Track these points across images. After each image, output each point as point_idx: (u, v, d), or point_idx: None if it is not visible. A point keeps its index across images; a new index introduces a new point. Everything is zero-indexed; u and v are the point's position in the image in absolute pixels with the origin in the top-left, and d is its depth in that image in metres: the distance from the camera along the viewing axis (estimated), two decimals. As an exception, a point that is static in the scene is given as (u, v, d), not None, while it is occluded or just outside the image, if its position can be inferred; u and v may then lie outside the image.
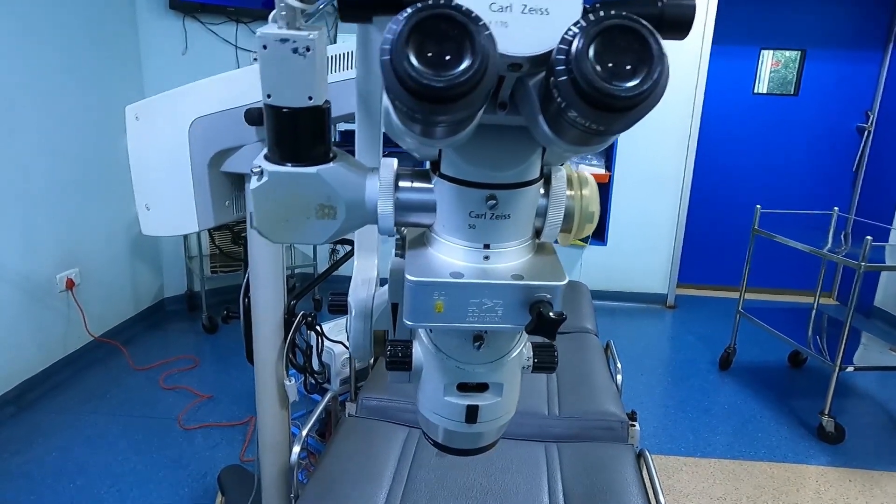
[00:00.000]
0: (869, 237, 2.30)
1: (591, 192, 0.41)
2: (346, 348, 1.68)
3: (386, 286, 0.54)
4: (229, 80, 1.32)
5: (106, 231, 2.97)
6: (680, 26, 0.30)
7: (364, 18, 0.30)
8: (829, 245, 2.73)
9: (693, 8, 0.30)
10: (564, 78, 0.26)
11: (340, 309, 0.57)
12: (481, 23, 0.26)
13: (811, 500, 2.09)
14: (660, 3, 0.30)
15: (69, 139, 2.69)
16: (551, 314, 0.37)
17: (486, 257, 0.40)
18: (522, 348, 0.47)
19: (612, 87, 0.26)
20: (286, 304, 1.52)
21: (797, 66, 3.86)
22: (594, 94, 0.26)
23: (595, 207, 0.41)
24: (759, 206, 2.84)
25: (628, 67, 0.26)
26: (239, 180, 1.43)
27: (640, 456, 1.28)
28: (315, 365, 1.77)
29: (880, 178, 3.84)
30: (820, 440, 2.44)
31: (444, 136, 0.32)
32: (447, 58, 0.26)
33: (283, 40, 0.36)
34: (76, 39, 2.68)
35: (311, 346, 1.63)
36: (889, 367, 2.52)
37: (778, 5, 3.76)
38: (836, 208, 3.04)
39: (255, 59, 1.99)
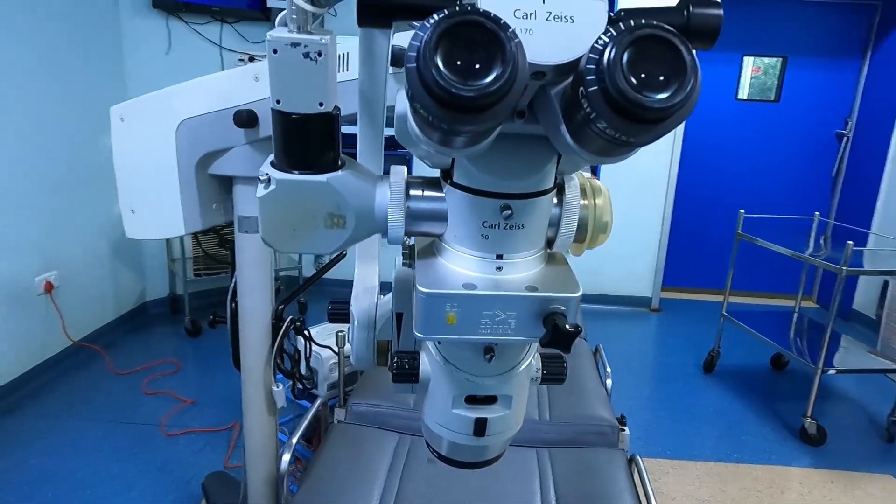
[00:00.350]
0: (850, 242, 2.33)
1: (605, 202, 0.40)
2: (335, 353, 1.66)
3: (389, 295, 0.53)
4: (218, 82, 1.30)
5: (86, 233, 2.91)
6: (707, 36, 0.30)
7: (383, 24, 0.29)
8: (811, 249, 2.78)
9: (721, 17, 0.30)
10: (595, 88, 0.26)
11: (341, 318, 0.56)
12: (510, 30, 0.26)
13: (795, 501, 2.12)
14: (686, 13, 0.30)
15: (49, 139, 2.63)
16: (567, 326, 0.36)
17: (499, 268, 0.39)
18: (532, 359, 0.46)
19: (645, 99, 0.25)
20: (274, 308, 1.50)
21: (778, 72, 3.92)
22: (626, 104, 0.25)
23: (609, 217, 0.40)
24: (742, 211, 2.88)
25: (661, 78, 0.25)
26: (227, 183, 1.41)
27: (631, 461, 1.28)
28: (302, 370, 1.75)
29: (858, 183, 3.91)
30: (802, 442, 2.47)
31: (464, 146, 0.31)
32: (476, 66, 0.25)
33: (295, 45, 0.35)
34: (57, 38, 2.63)
35: (299, 351, 1.60)
36: (869, 370, 2.56)
37: (760, 13, 3.82)
38: (817, 213, 3.09)
39: (241, 61, 1.98)
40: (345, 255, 1.67)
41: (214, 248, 3.27)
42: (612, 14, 0.29)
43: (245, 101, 1.27)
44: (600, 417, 1.43)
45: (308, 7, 0.34)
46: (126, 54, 3.08)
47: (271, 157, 0.40)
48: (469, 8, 0.25)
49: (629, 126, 0.26)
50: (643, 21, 0.26)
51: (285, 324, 1.48)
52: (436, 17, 0.25)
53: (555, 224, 0.41)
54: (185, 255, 3.15)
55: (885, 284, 3.41)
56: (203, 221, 1.39)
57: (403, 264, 0.44)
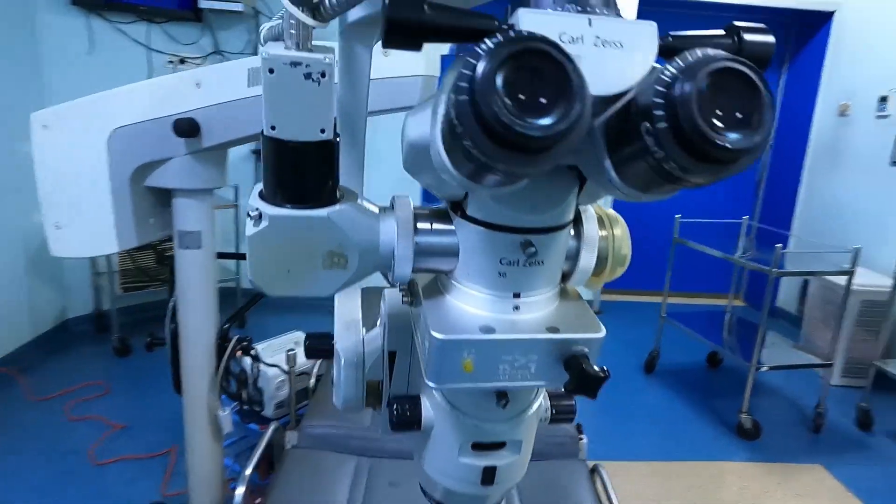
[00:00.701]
0: (778, 245, 2.46)
1: (623, 232, 0.38)
2: (284, 371, 1.58)
3: (376, 330, 0.49)
4: (155, 87, 1.21)
5: (-2, 247, 2.67)
6: (759, 64, 0.28)
7: (414, 46, 0.26)
8: (741, 252, 2.92)
9: (773, 45, 0.28)
10: (665, 125, 0.23)
11: (322, 353, 0.51)
12: (573, 58, 0.22)
13: (736, 495, 2.20)
14: (737, 39, 0.28)
15: (-47, 145, 2.40)
16: (596, 370, 0.33)
17: (516, 307, 0.36)
18: (542, 399, 0.43)
19: (725, 139, 0.23)
20: (219, 328, 1.41)
21: (705, 82, 4.11)
22: (703, 144, 0.22)
23: (627, 250, 0.38)
24: (678, 216, 2.98)
25: (738, 115, 0.23)
26: (165, 196, 1.32)
27: (593, 471, 1.28)
28: (249, 390, 1.66)
29: (779, 188, 4.15)
30: (739, 437, 2.58)
31: (501, 184, 0.27)
32: (542, 101, 0.22)
33: (295, 64, 0.31)
34: (-39, 34, 2.40)
35: (246, 372, 1.52)
36: (798, 366, 2.70)
37: (685, 26, 3.98)
38: (745, 217, 3.25)
39: (171, 63, 1.86)
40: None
41: (146, 259, 3.08)
42: (660, 40, 0.27)
43: (186, 109, 1.20)
44: (558, 427, 1.42)
45: (309, 21, 0.30)
46: (43, 54, 2.85)
47: (258, 187, 0.36)
48: (526, 33, 0.22)
49: (699, 166, 0.23)
50: (714, 52, 0.23)
51: (231, 344, 1.39)
52: (490, 42, 0.22)
53: (572, 257, 0.38)
54: (111, 269, 2.95)
55: (806, 283, 3.62)
56: (139, 237, 1.30)
57: (403, 302, 0.41)
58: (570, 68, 0.22)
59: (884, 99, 3.27)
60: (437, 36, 0.25)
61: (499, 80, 0.21)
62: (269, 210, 0.33)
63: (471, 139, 0.22)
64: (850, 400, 2.84)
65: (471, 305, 0.36)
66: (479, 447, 0.41)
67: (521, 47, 0.22)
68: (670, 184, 0.26)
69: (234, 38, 3.20)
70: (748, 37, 0.28)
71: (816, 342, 3.24)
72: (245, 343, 1.44)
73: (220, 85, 1.20)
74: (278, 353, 1.79)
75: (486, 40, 0.22)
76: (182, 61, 2.98)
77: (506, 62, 0.21)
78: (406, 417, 0.40)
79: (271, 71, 0.31)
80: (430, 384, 0.34)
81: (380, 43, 0.51)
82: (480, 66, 0.22)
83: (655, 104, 0.23)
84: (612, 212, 0.39)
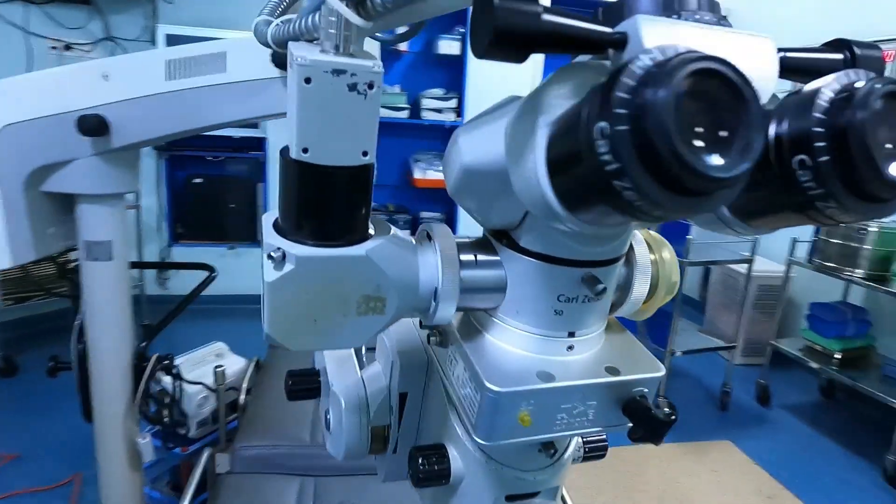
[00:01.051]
0: (690, 237, 2.60)
1: (672, 256, 0.35)
2: (212, 390, 1.46)
3: (375, 366, 0.44)
4: (53, 79, 1.06)
5: None
6: (870, 80, 0.25)
7: (518, 58, 0.21)
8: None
9: (883, 61, 0.26)
10: (827, 158, 0.20)
11: (309, 395, 0.45)
12: (751, 82, 0.18)
13: (657, 477, 2.31)
14: (849, 54, 0.25)
15: None
16: (667, 412, 0.30)
17: (570, 347, 0.32)
18: (577, 438, 0.40)
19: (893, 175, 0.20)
20: (134, 346, 1.27)
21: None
22: (874, 181, 0.19)
23: (677, 276, 0.35)
24: (595, 210, 3.08)
25: None
26: (67, 201, 1.16)
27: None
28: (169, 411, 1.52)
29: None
30: (657, 419, 2.71)
31: (619, 224, 0.23)
32: (721, 135, 0.18)
33: (338, 72, 0.25)
34: None
35: (168, 394, 1.38)
36: (708, 349, 2.89)
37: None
38: (654, 209, 3.42)
39: (54, 49, 1.66)
40: (215, 274, 1.47)
41: (43, 270, 2.76)
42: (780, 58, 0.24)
43: (92, 104, 1.06)
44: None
45: (357, 20, 0.24)
46: None
47: (271, 219, 0.29)
48: (685, 50, 0.18)
49: (861, 206, 0.20)
50: (868, 73, 0.20)
51: (151, 364, 1.26)
52: (647, 59, 0.18)
53: (621, 286, 0.34)
54: (-11, 279, 2.62)
55: (707, 270, 3.87)
56: (36, 250, 1.14)
57: (431, 342, 0.35)
58: (750, 94, 0.18)
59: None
60: (549, 47, 0.20)
61: (676, 109, 0.17)
62: (296, 250, 0.27)
63: (630, 179, 0.18)
64: (750, 377, 3.07)
65: (520, 347, 0.32)
66: (512, 498, 0.37)
67: (701, 67, 0.17)
68: (802, 217, 0.22)
69: (129, 23, 2.93)
70: (860, 51, 0.26)
71: (718, 325, 3.47)
72: (166, 362, 1.31)
73: (133, 77, 1.07)
74: (198, 367, 1.65)
75: (643, 57, 0.18)
76: (68, 48, 2.69)
77: (684, 85, 0.17)
78: (434, 472, 0.35)
79: (308, 81, 0.24)
80: (482, 442, 0.30)
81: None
82: (651, 91, 0.17)
83: (816, 134, 0.20)
84: (656, 234, 0.36)
